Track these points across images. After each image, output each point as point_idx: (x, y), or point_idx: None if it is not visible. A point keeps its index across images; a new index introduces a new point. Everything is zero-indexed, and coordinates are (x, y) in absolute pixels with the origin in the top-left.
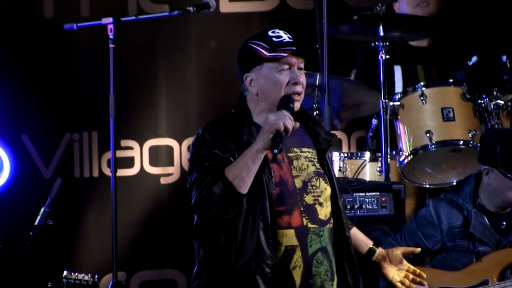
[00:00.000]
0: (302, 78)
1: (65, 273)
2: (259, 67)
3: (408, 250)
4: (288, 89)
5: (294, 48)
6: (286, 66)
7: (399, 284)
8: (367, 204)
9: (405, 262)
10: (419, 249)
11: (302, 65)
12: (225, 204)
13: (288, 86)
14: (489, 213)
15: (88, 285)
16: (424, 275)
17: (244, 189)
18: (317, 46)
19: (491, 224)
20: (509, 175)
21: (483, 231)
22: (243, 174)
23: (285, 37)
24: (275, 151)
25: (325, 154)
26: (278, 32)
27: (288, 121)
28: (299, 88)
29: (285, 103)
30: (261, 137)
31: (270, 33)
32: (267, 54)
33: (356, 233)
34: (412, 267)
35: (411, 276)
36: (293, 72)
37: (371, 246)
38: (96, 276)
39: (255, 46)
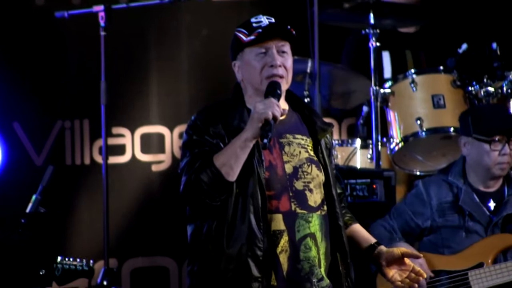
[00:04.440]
0: (280, 60)
1: (59, 258)
2: (241, 53)
3: (409, 253)
4: (265, 72)
5: (261, 30)
6: (263, 50)
7: (398, 283)
8: (358, 191)
9: (408, 262)
10: (421, 255)
11: (285, 48)
12: (213, 191)
13: (264, 69)
14: (478, 192)
15: (83, 271)
16: (424, 275)
17: (232, 177)
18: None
19: (481, 203)
20: (481, 137)
21: (473, 206)
22: (231, 162)
23: (265, 21)
24: (265, 141)
25: (320, 142)
26: (260, 18)
27: (276, 109)
28: (277, 71)
29: (272, 90)
30: (250, 126)
31: (253, 19)
32: (245, 39)
33: (359, 230)
34: (417, 268)
35: (413, 275)
36: (269, 55)
37: (373, 243)
38: (92, 262)
39: (238, 34)
